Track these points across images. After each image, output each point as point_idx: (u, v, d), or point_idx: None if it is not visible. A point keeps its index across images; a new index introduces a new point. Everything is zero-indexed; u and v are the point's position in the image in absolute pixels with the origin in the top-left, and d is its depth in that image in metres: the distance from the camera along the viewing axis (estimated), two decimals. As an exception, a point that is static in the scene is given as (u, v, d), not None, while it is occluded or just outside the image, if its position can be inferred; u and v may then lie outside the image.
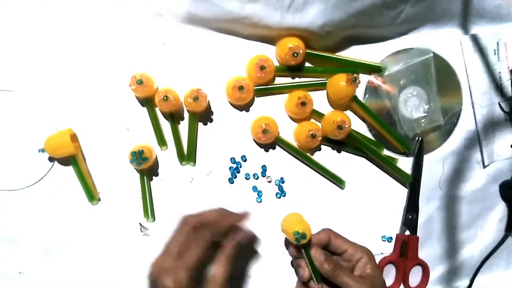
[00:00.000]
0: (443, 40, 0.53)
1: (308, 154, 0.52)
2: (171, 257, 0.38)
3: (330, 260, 0.44)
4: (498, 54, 0.54)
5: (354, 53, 0.52)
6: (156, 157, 0.49)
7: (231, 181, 0.51)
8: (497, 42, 0.54)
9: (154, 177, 0.50)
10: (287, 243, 0.50)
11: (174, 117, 0.49)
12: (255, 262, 0.51)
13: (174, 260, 0.38)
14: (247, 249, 0.49)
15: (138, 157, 0.45)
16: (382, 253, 0.53)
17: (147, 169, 0.47)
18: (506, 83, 0.55)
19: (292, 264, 0.51)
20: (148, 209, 0.48)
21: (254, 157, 0.51)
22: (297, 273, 0.48)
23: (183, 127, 0.50)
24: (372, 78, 0.53)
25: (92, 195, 0.47)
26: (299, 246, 0.44)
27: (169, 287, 0.36)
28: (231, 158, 0.51)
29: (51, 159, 0.48)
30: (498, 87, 0.55)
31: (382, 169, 0.53)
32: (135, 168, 0.48)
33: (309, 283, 0.46)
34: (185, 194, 0.50)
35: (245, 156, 0.51)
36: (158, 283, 0.37)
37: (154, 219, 0.49)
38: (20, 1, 0.46)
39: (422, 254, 0.54)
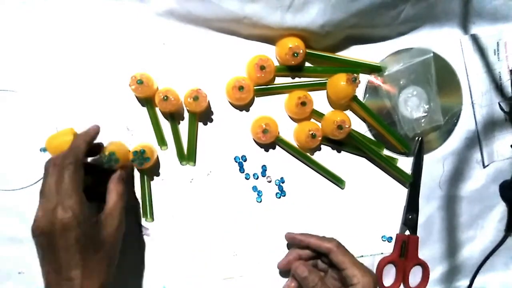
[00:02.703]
0: (443, 40, 0.53)
1: (308, 154, 0.52)
2: None
3: (313, 277, 0.44)
4: (498, 54, 0.54)
5: (354, 53, 0.52)
6: (157, 157, 0.49)
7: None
8: (497, 42, 0.54)
9: (154, 177, 0.50)
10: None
11: (174, 117, 0.49)
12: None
13: None
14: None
15: (140, 156, 0.45)
16: (382, 253, 0.53)
17: (147, 169, 0.47)
18: (506, 83, 0.55)
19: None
20: (148, 209, 0.49)
21: (254, 157, 0.51)
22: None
23: (183, 127, 0.50)
24: (372, 78, 0.53)
25: (92, 195, 0.47)
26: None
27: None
28: (235, 157, 0.51)
29: (51, 159, 0.48)
30: (498, 87, 0.55)
31: (382, 169, 0.53)
32: (136, 168, 0.48)
33: None
34: (185, 194, 0.50)
35: (245, 156, 0.51)
36: None
37: (153, 219, 0.49)
38: (20, 1, 0.46)
39: (422, 254, 0.54)
